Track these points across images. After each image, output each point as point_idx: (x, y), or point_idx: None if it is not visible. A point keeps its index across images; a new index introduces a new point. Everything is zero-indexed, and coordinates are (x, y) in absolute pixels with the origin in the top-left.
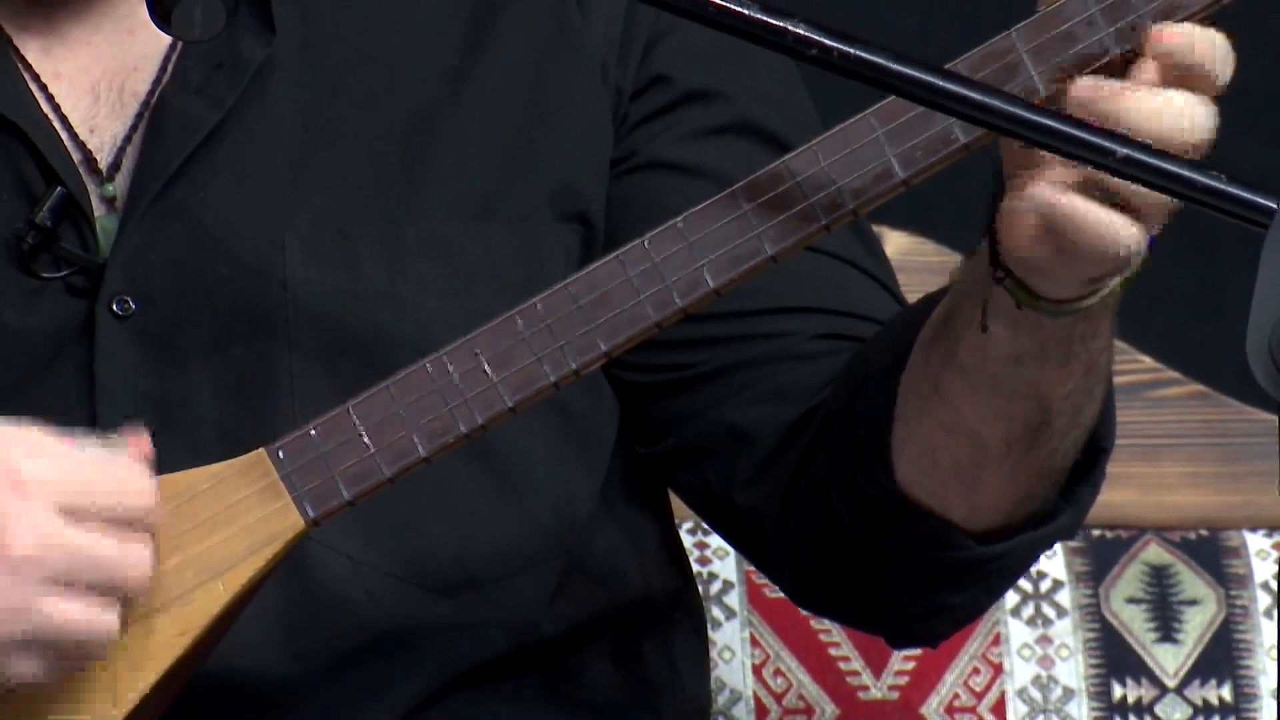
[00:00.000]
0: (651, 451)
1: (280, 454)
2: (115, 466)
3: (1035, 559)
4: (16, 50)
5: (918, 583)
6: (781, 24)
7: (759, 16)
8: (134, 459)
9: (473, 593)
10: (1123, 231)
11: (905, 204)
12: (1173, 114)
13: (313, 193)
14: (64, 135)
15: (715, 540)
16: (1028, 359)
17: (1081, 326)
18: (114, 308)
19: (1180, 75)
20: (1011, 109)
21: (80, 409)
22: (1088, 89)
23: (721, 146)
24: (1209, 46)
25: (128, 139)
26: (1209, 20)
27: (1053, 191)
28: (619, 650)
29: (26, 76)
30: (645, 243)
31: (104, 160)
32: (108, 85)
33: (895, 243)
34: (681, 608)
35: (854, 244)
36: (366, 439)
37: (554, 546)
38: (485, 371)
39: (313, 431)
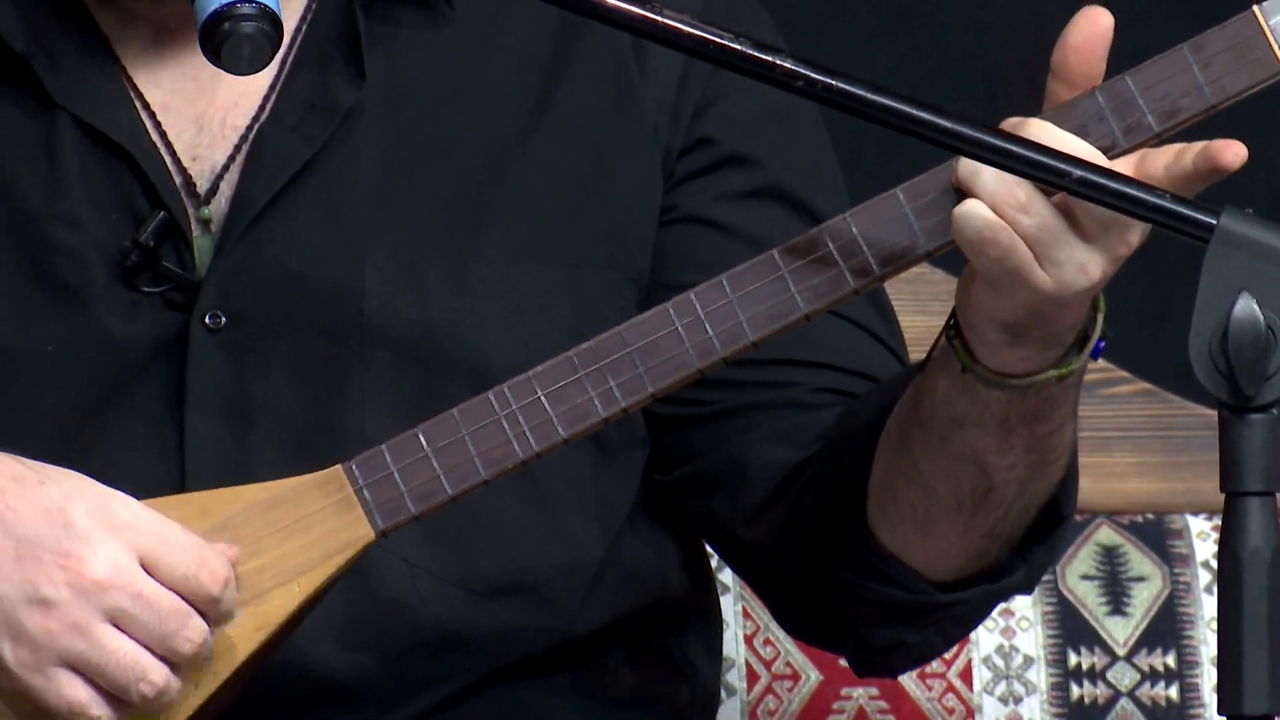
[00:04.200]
0: (667, 479)
1: (355, 470)
2: (202, 546)
3: (989, 611)
4: (130, 80)
5: (880, 618)
6: (770, 58)
7: (750, 51)
8: (223, 549)
9: (513, 597)
10: (1002, 236)
11: None
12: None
13: (390, 228)
14: (168, 161)
15: None
16: (967, 424)
17: (1020, 406)
18: (206, 321)
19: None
20: (976, 134)
21: (171, 411)
22: (1014, 121)
23: (752, 208)
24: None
25: (225, 168)
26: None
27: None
28: (640, 649)
29: (137, 105)
30: (692, 296)
31: (202, 186)
32: (210, 118)
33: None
34: (698, 612)
35: (865, 305)
36: (433, 460)
37: (586, 557)
38: (543, 405)
39: (385, 452)
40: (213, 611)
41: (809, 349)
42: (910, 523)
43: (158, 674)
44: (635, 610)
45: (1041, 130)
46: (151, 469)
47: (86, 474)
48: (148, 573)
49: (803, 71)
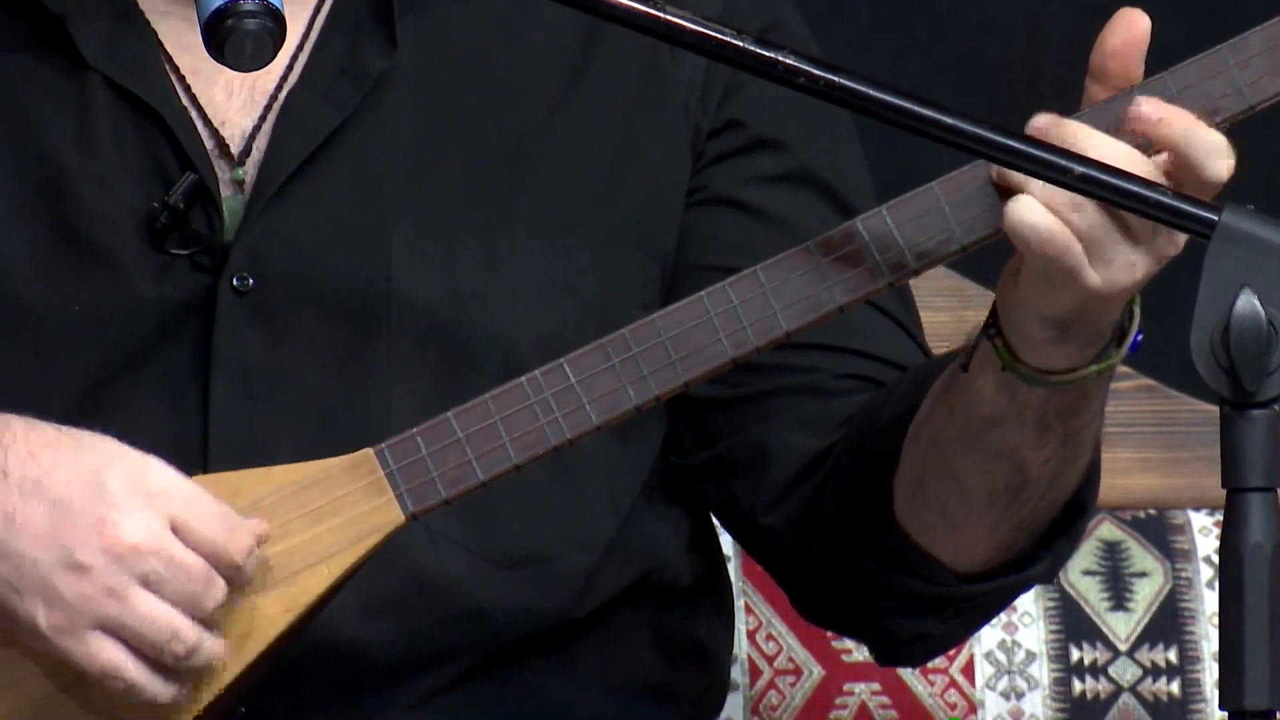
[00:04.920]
0: (687, 463)
1: (386, 454)
2: (230, 515)
3: (1011, 601)
4: (160, 44)
5: (903, 610)
6: (773, 55)
7: (752, 48)
8: (252, 524)
9: (530, 568)
10: (1059, 236)
11: None
12: (1114, 160)
13: (419, 198)
14: (199, 124)
15: (714, 518)
16: (1006, 421)
17: (1058, 402)
18: (234, 284)
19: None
20: (977, 130)
21: (196, 374)
22: (1047, 120)
23: (781, 192)
24: (1199, 145)
25: (254, 133)
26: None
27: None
28: (651, 628)
29: (168, 68)
30: (727, 286)
31: (235, 149)
32: (240, 83)
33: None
34: (711, 595)
35: (889, 293)
36: (465, 445)
37: (600, 531)
38: (576, 392)
39: (417, 436)
40: (235, 579)
41: (832, 335)
42: (940, 517)
43: (190, 633)
44: (646, 589)
45: (1079, 132)
46: (175, 431)
47: (111, 435)
48: (178, 538)
49: (805, 68)
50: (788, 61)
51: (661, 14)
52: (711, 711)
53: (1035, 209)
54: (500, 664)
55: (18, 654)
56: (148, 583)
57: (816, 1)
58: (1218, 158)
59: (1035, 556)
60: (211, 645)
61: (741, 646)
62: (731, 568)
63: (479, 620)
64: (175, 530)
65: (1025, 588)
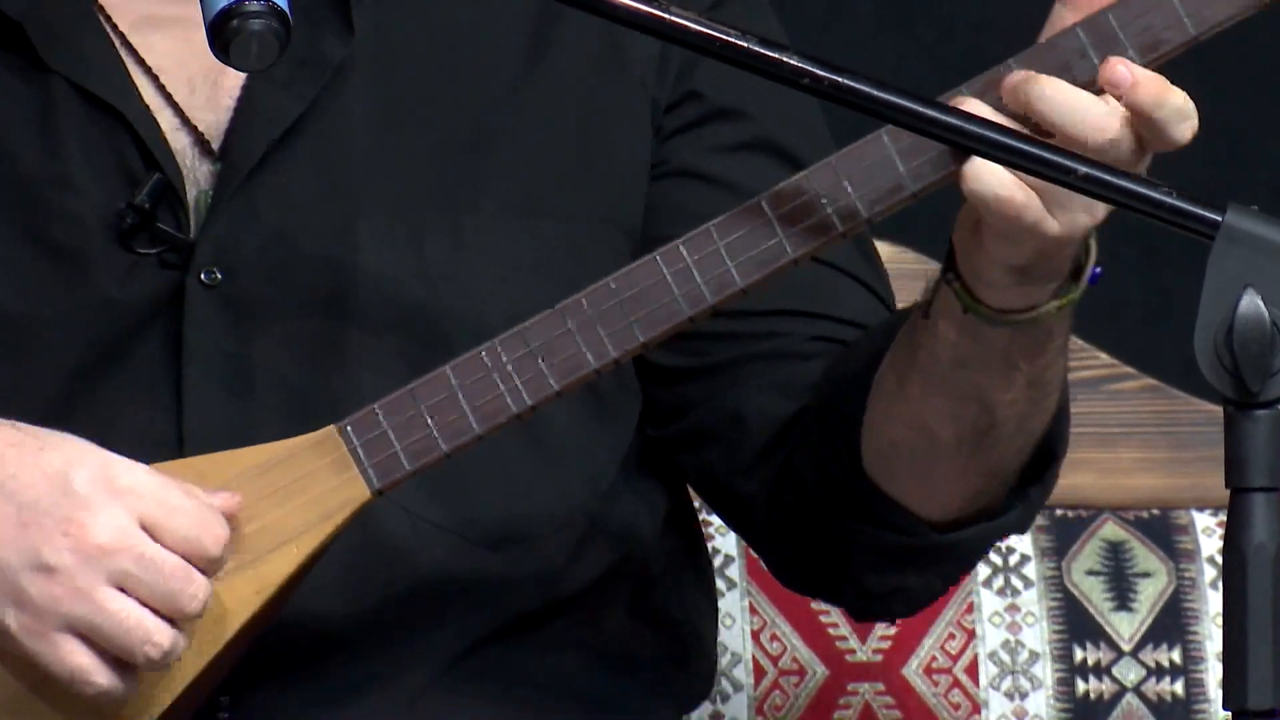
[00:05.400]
0: (662, 434)
1: (349, 430)
2: (201, 508)
3: (987, 550)
4: (127, 43)
5: (878, 564)
6: (777, 55)
7: (757, 49)
8: (221, 507)
9: (512, 547)
10: (1018, 194)
11: (890, 218)
12: (1091, 120)
13: (384, 183)
14: (176, 121)
15: (717, 519)
16: (971, 363)
17: (1021, 341)
18: (202, 278)
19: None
20: (982, 131)
21: (169, 369)
22: (1020, 76)
23: (742, 161)
24: (1165, 104)
25: (223, 127)
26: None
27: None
28: (635, 605)
29: (136, 67)
30: (680, 245)
31: (216, 144)
32: (203, 79)
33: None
34: (692, 570)
35: (853, 254)
36: (427, 418)
37: (580, 509)
38: (534, 358)
39: (378, 410)
40: (212, 570)
41: (800, 299)
42: (909, 467)
43: (163, 635)
44: (627, 566)
45: (1053, 86)
46: (151, 427)
47: (87, 435)
48: (150, 536)
49: (809, 68)
50: (792, 62)
51: (665, 14)
52: (702, 687)
53: (990, 171)
54: (486, 644)
55: None
56: (120, 583)
57: (819, 1)
58: (1184, 121)
59: (1008, 505)
60: (184, 647)
61: (746, 647)
62: (736, 569)
63: (462, 602)
64: (146, 528)
65: (999, 537)
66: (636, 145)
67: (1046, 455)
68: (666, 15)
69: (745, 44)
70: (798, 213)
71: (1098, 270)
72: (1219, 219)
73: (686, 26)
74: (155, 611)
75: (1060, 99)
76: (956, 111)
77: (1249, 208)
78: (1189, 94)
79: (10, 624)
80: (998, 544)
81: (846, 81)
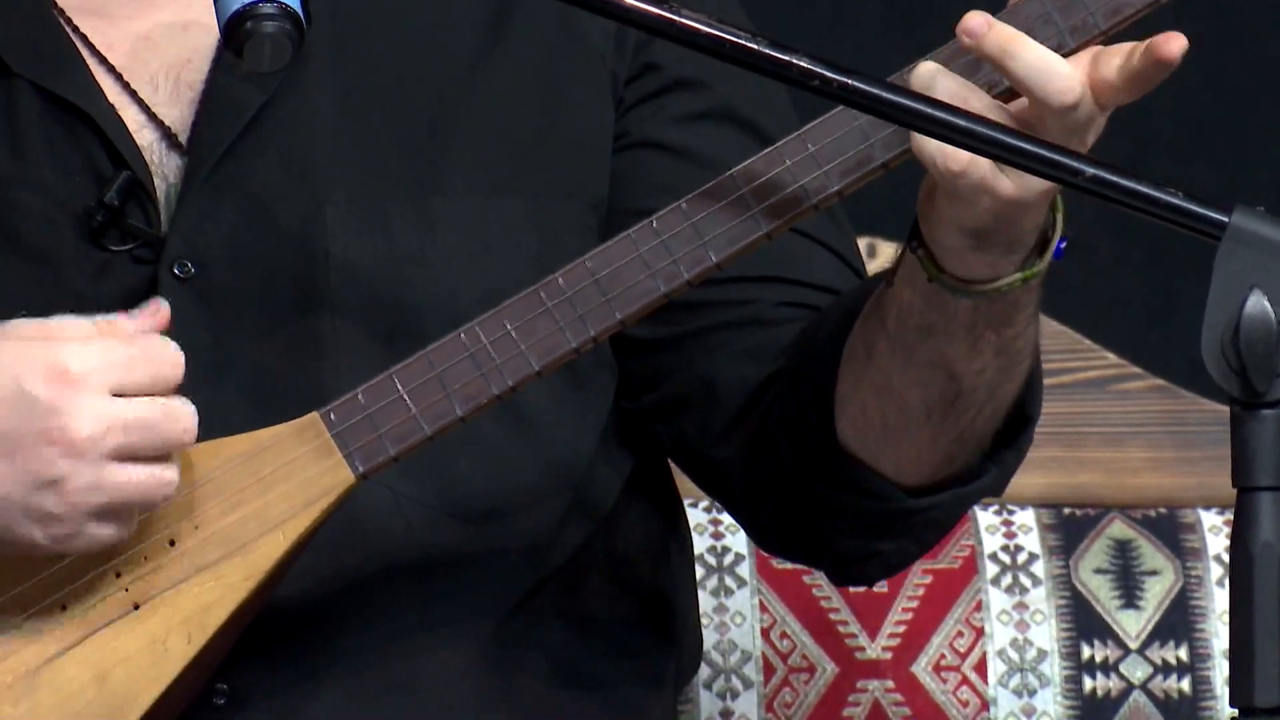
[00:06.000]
0: (637, 405)
1: (331, 416)
2: (147, 343)
3: (960, 515)
4: (87, 41)
5: (853, 529)
6: (787, 57)
7: (767, 51)
8: (159, 328)
9: (496, 522)
10: (960, 152)
11: (898, 218)
12: (1056, 80)
13: (348, 169)
14: (142, 118)
15: (727, 517)
16: (936, 332)
17: (987, 310)
18: (175, 271)
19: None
20: (990, 133)
21: None
22: (981, 21)
23: (704, 131)
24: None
25: (187, 122)
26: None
27: None
28: (619, 576)
29: (94, 65)
30: (653, 222)
31: (184, 138)
32: (165, 75)
33: (885, 254)
34: (676, 541)
35: (822, 220)
36: (408, 402)
37: (561, 482)
38: (513, 339)
39: (360, 396)
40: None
41: (768, 265)
42: (880, 432)
43: (171, 473)
44: (608, 538)
45: (1013, 38)
46: None
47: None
48: (124, 397)
49: (819, 70)
50: (801, 64)
51: (676, 16)
52: (690, 661)
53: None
54: (475, 618)
55: None
56: (120, 456)
57: (827, 4)
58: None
59: (982, 469)
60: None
61: (756, 644)
62: (746, 567)
63: (450, 579)
64: (114, 394)
65: (974, 500)
66: (598, 119)
67: (1020, 419)
68: (676, 17)
69: (755, 45)
70: (769, 187)
71: (1063, 244)
72: (1225, 220)
73: (697, 29)
74: (158, 458)
75: (1016, 50)
76: (964, 113)
77: (1255, 209)
78: (1195, 96)
79: (40, 539)
80: (1006, 543)
81: (856, 83)
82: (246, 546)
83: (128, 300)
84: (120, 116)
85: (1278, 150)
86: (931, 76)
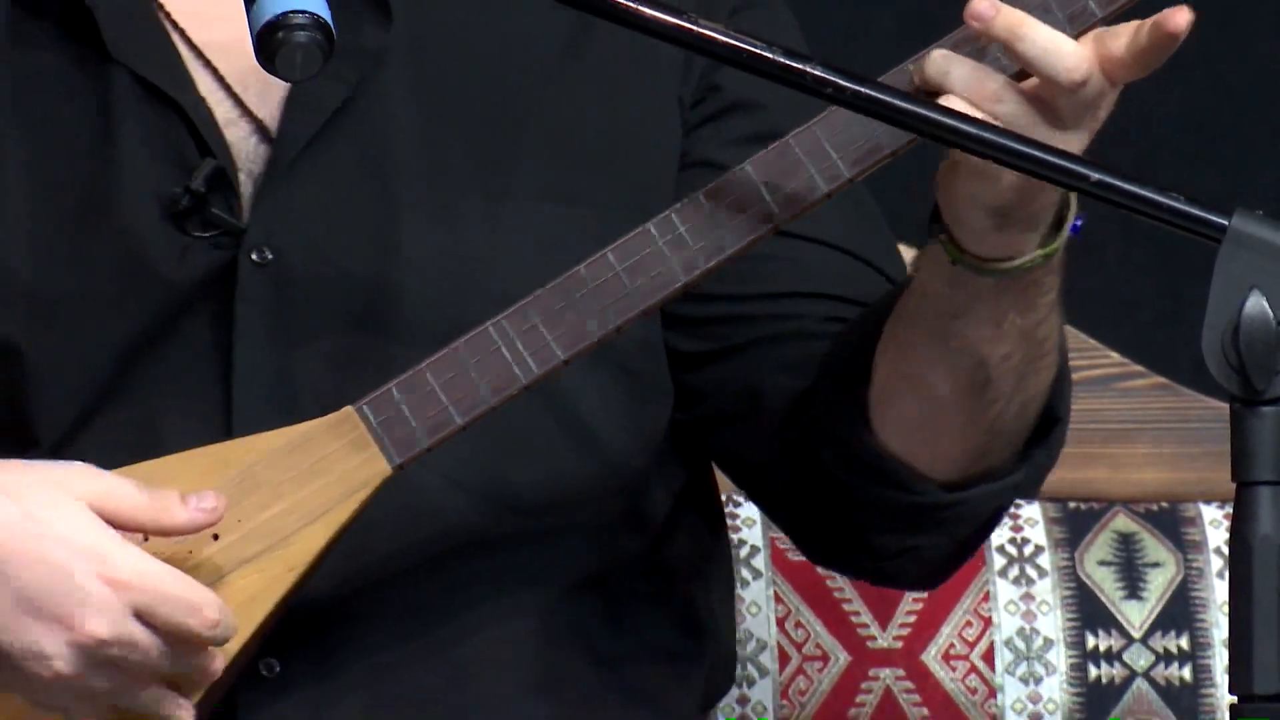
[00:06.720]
0: (689, 418)
1: (366, 409)
2: (191, 588)
3: (994, 510)
4: (186, 37)
5: (887, 523)
6: (801, 66)
7: (782, 60)
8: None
9: (548, 519)
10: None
11: (916, 222)
12: (1065, 59)
13: (423, 167)
14: (236, 111)
15: (744, 510)
16: (963, 315)
17: (1011, 290)
18: (253, 257)
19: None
20: (1005, 141)
21: (219, 342)
22: (988, 6)
23: (755, 151)
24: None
25: (276, 119)
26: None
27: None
28: (661, 588)
29: (189, 58)
30: (673, 214)
31: (251, 134)
32: (255, 74)
33: (905, 257)
34: (716, 561)
35: (869, 239)
36: (440, 394)
37: (608, 490)
38: (540, 331)
39: (393, 388)
40: (200, 646)
41: (816, 282)
42: (913, 424)
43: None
44: (655, 551)
45: (1023, 21)
46: (200, 398)
47: (135, 412)
48: (143, 622)
49: (833, 79)
50: (815, 72)
51: (695, 26)
52: (724, 680)
53: (959, 108)
54: (519, 619)
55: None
56: (115, 667)
57: (842, 13)
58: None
59: (1014, 467)
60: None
61: (771, 634)
62: (761, 559)
63: (493, 582)
64: (139, 616)
65: (1006, 497)
66: (664, 139)
67: (1050, 419)
68: (696, 27)
69: (771, 55)
70: (783, 176)
71: (1079, 221)
72: (1226, 223)
73: (714, 38)
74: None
75: (1025, 32)
76: (979, 121)
77: (1255, 212)
78: (1196, 99)
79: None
80: (1014, 535)
81: (866, 90)
82: (288, 539)
83: (205, 284)
84: (211, 109)
85: (1278, 153)
86: (945, 62)
